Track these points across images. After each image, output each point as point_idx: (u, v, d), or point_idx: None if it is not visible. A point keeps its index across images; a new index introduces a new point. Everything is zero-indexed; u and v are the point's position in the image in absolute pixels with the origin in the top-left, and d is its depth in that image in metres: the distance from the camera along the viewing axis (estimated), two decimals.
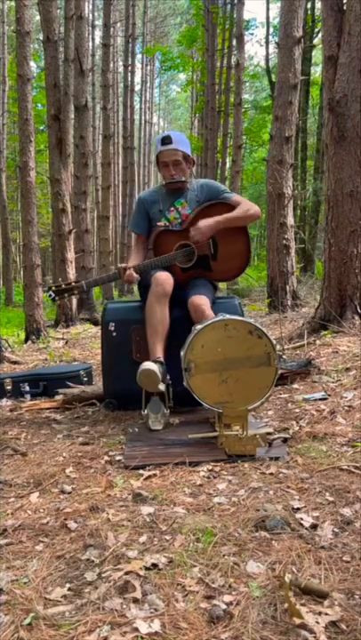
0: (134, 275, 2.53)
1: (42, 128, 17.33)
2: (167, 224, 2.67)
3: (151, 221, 2.72)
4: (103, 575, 1.19)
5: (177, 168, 2.63)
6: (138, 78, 23.87)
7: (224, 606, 1.06)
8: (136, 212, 2.78)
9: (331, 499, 1.52)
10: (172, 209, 2.68)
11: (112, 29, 13.39)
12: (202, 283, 2.60)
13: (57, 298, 2.59)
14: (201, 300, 2.41)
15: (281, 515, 1.41)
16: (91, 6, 20.51)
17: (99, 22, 20.73)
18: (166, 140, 2.59)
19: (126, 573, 1.18)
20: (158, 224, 2.67)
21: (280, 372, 2.72)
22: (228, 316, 2.05)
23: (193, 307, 2.41)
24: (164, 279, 2.43)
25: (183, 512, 1.48)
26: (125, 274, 2.52)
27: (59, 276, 7.38)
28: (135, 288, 2.77)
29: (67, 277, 7.27)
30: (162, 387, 2.27)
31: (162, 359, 2.34)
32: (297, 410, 2.40)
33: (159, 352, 2.36)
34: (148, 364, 2.22)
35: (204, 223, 2.55)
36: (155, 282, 2.42)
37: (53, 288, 2.60)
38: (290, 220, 6.61)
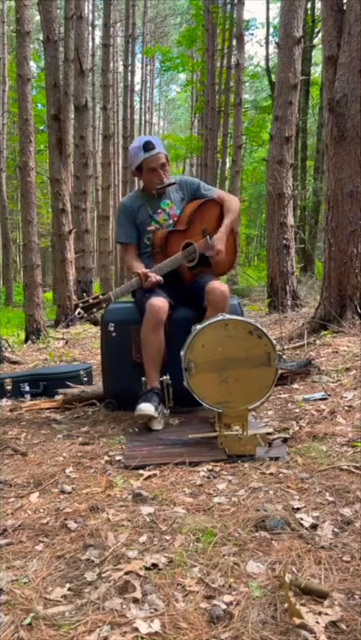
0: (155, 277, 2.48)
1: (42, 128, 17.33)
2: (158, 227, 2.67)
3: (138, 227, 2.71)
4: (103, 575, 1.19)
5: (164, 170, 2.64)
6: (138, 78, 23.88)
7: (224, 606, 1.06)
8: (124, 221, 2.72)
9: (331, 499, 1.52)
10: (160, 211, 2.69)
11: (112, 29, 13.39)
12: (207, 274, 2.63)
13: (85, 314, 2.48)
14: (223, 287, 2.46)
15: (281, 515, 1.41)
16: (91, 6, 20.50)
17: (99, 22, 20.73)
18: (149, 146, 2.60)
19: (126, 573, 1.18)
20: (148, 228, 2.67)
21: (280, 372, 2.72)
22: (228, 316, 2.05)
23: (218, 291, 2.43)
24: (160, 307, 2.40)
25: (183, 512, 1.48)
26: (148, 279, 2.45)
27: (59, 275, 7.38)
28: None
29: (67, 277, 7.26)
30: (157, 425, 2.30)
31: (159, 388, 2.37)
32: (297, 410, 2.40)
33: (155, 381, 2.39)
34: (144, 408, 2.23)
35: (220, 244, 2.60)
36: (149, 309, 2.39)
37: (80, 305, 2.48)
38: (290, 220, 6.60)
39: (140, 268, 2.57)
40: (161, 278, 2.50)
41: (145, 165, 2.63)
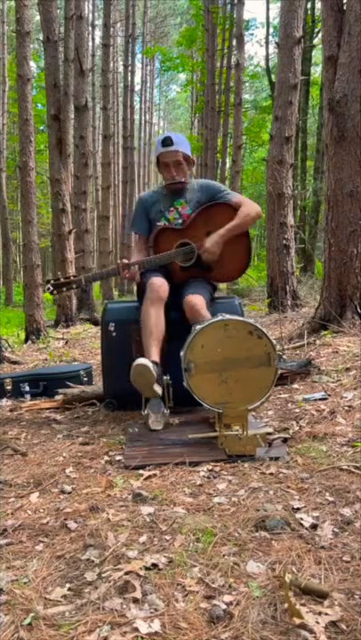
0: (137, 272, 2.50)
1: (42, 128, 17.34)
2: (167, 224, 2.67)
3: (151, 222, 2.73)
4: (103, 575, 1.19)
5: (178, 169, 2.64)
6: (138, 78, 23.89)
7: (224, 606, 1.06)
8: (136, 212, 2.79)
9: (331, 499, 1.52)
10: (172, 209, 2.69)
11: (112, 29, 13.39)
12: (199, 282, 2.59)
13: (55, 292, 2.60)
14: (196, 300, 2.39)
15: (281, 515, 1.41)
16: (91, 6, 20.51)
17: (99, 22, 20.73)
18: (167, 142, 2.60)
19: (126, 573, 1.18)
20: (158, 224, 2.68)
21: (280, 372, 2.72)
22: (228, 316, 2.05)
23: (188, 306, 2.40)
24: (160, 285, 2.41)
25: (183, 512, 1.48)
26: (126, 270, 2.49)
27: (60, 274, 7.37)
28: (135, 288, 2.76)
29: (66, 274, 7.26)
30: (157, 388, 2.24)
31: (157, 361, 2.30)
32: (297, 410, 2.40)
33: (154, 355, 2.31)
34: (141, 360, 2.19)
35: (211, 243, 2.55)
36: (149, 287, 2.41)
37: (52, 282, 2.62)
38: (290, 220, 6.61)
39: (133, 259, 2.63)
40: (138, 277, 2.53)
41: (160, 159, 2.66)
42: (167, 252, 2.58)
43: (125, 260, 2.56)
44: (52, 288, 2.59)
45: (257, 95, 25.84)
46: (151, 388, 2.22)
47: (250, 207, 2.63)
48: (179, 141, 2.63)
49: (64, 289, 2.62)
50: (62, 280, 2.61)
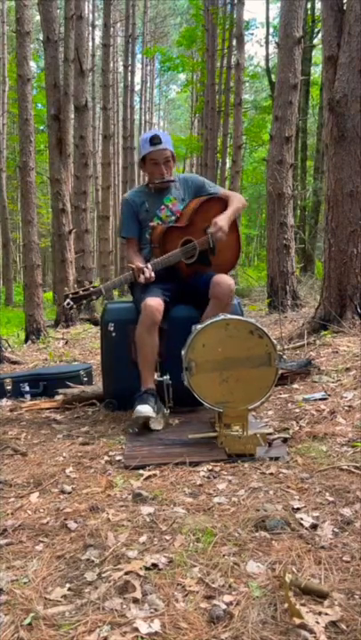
0: (151, 272, 2.47)
1: (42, 128, 17.32)
2: (160, 223, 2.67)
3: (141, 222, 2.71)
4: (103, 575, 1.19)
5: (167, 167, 2.65)
6: (138, 78, 23.86)
7: (224, 606, 1.06)
8: (126, 215, 2.73)
9: (331, 499, 1.52)
10: (163, 207, 2.69)
11: (112, 29, 13.39)
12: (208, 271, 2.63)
13: (75, 306, 2.46)
14: (230, 281, 2.46)
15: (281, 515, 1.41)
16: (91, 6, 20.50)
17: (99, 22, 20.73)
18: (156, 140, 2.60)
19: (126, 573, 1.18)
20: (151, 224, 2.67)
21: (280, 372, 2.72)
22: (229, 316, 2.05)
23: (224, 285, 2.43)
24: (155, 308, 2.39)
25: (183, 512, 1.48)
26: (142, 274, 2.45)
27: (59, 275, 7.37)
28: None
29: (67, 277, 7.26)
30: (156, 425, 2.28)
31: (154, 389, 2.38)
32: (297, 410, 2.40)
33: (150, 382, 2.39)
34: (142, 410, 2.23)
35: (222, 221, 2.56)
36: (144, 311, 2.39)
37: (70, 295, 2.46)
38: (290, 220, 6.61)
39: (138, 262, 2.58)
40: (153, 275, 2.49)
41: (148, 158, 2.65)
42: (174, 252, 2.57)
43: (140, 264, 2.50)
44: (71, 303, 2.44)
45: (257, 95, 25.83)
46: (152, 422, 2.28)
47: (236, 196, 2.75)
48: (166, 140, 2.64)
49: (84, 301, 2.48)
50: (81, 292, 2.47)
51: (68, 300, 2.44)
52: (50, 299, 12.12)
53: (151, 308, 2.38)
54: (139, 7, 20.63)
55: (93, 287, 2.50)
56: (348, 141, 3.67)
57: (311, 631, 0.98)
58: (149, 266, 2.48)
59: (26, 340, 6.19)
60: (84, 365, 3.49)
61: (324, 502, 1.50)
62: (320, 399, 2.49)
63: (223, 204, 2.66)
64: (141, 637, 0.98)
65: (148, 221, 2.68)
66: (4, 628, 1.03)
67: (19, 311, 11.90)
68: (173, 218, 2.68)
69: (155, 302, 2.40)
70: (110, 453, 2.03)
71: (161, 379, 2.37)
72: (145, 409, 2.23)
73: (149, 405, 2.26)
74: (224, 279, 2.47)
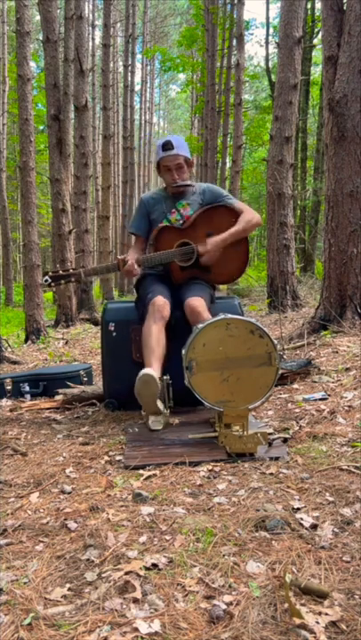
0: (136, 267, 2.49)
1: (42, 128, 17.33)
2: (167, 225, 2.68)
3: (152, 223, 2.73)
4: (103, 575, 1.19)
5: (180, 172, 2.66)
6: (138, 78, 23.87)
7: (224, 606, 1.06)
8: (137, 213, 2.79)
9: (331, 499, 1.52)
10: (174, 210, 2.70)
11: (112, 29, 13.38)
12: (198, 284, 2.61)
13: (53, 284, 2.54)
14: (196, 302, 2.40)
15: (281, 515, 1.41)
16: (91, 6, 20.50)
17: (99, 22, 20.73)
18: (168, 146, 2.61)
19: (126, 573, 1.18)
20: (160, 225, 2.68)
21: (280, 371, 2.72)
22: (229, 316, 2.05)
23: (189, 309, 2.40)
24: (162, 304, 2.40)
25: (183, 512, 1.48)
26: (126, 265, 2.48)
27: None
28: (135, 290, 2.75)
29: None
30: (160, 404, 2.25)
31: (160, 377, 2.29)
32: (297, 410, 2.40)
33: (157, 371, 2.27)
34: (147, 370, 2.18)
35: (213, 246, 2.56)
36: (152, 307, 2.39)
37: (50, 273, 2.55)
38: (290, 220, 6.61)
39: (131, 256, 2.60)
40: (137, 269, 2.51)
41: (161, 164, 2.67)
42: (167, 251, 2.58)
43: (125, 256, 2.54)
44: (49, 280, 2.53)
45: (257, 95, 25.84)
46: (154, 401, 2.20)
47: (252, 214, 2.67)
48: (179, 145, 2.64)
49: (62, 281, 2.55)
50: (61, 272, 2.55)
51: (46, 277, 2.53)
52: (50, 299, 12.12)
53: (160, 304, 2.40)
54: (139, 7, 20.62)
55: (74, 269, 2.58)
56: (348, 141, 3.67)
57: (311, 631, 0.98)
58: (131, 260, 2.49)
59: (26, 340, 6.19)
60: (84, 365, 3.49)
61: (324, 502, 1.50)
62: (320, 399, 2.49)
63: (233, 215, 2.65)
64: (141, 637, 0.98)
65: (158, 222, 2.70)
66: (3, 628, 1.03)
67: (19, 311, 11.91)
68: (181, 222, 2.69)
69: (162, 300, 2.42)
70: (110, 453, 2.03)
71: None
72: (150, 371, 2.16)
73: (156, 374, 2.18)
74: (190, 303, 2.41)
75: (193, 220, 2.63)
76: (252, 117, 18.45)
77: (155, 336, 2.35)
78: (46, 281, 2.52)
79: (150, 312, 2.40)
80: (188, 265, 2.62)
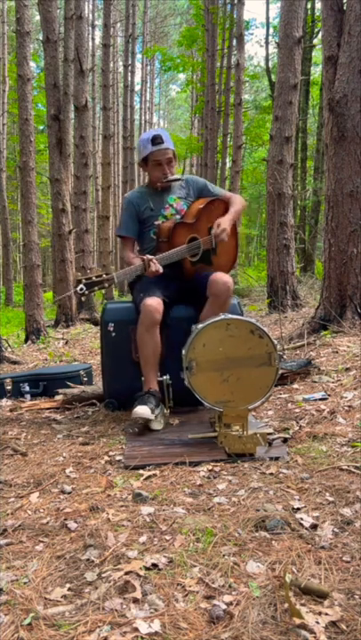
0: (158, 265, 2.43)
1: (42, 128, 17.32)
2: (165, 220, 2.67)
3: (143, 222, 2.70)
4: (103, 575, 1.19)
5: (170, 166, 2.65)
6: (138, 78, 23.83)
7: (224, 606, 1.06)
8: (126, 215, 2.72)
9: (331, 499, 1.52)
10: (167, 206, 2.69)
11: (112, 29, 13.38)
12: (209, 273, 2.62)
13: (87, 291, 2.34)
14: (227, 279, 2.45)
15: (281, 515, 1.41)
16: (91, 6, 20.49)
17: (99, 22, 20.73)
18: (158, 140, 2.60)
19: (126, 573, 1.18)
20: (156, 222, 2.67)
21: (280, 371, 2.72)
22: (229, 316, 2.05)
23: (221, 282, 2.43)
24: (154, 307, 2.37)
25: (183, 512, 1.48)
26: (152, 266, 2.40)
27: (59, 275, 7.37)
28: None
29: (66, 277, 7.25)
30: (156, 425, 2.28)
31: (156, 390, 2.36)
32: (297, 410, 2.40)
33: (153, 383, 2.37)
34: (140, 411, 2.21)
35: (225, 223, 2.57)
36: (144, 310, 2.37)
37: (84, 281, 2.34)
38: (290, 220, 6.61)
39: (137, 259, 2.52)
40: (161, 268, 2.43)
41: (151, 158, 2.64)
42: (180, 247, 2.56)
43: (150, 256, 2.45)
44: (84, 289, 2.33)
45: (257, 95, 25.83)
46: (151, 422, 2.28)
47: (237, 198, 2.77)
48: (167, 138, 2.64)
49: (96, 288, 2.38)
50: (95, 279, 2.36)
51: (80, 286, 2.33)
52: (50, 299, 12.11)
53: (150, 307, 2.36)
54: (139, 7, 20.62)
55: (106, 274, 2.38)
56: (348, 141, 3.67)
57: (311, 631, 0.98)
58: (159, 259, 2.46)
59: (26, 340, 6.19)
60: (84, 365, 3.49)
61: (324, 502, 1.50)
62: (320, 399, 2.49)
63: (225, 205, 2.70)
64: (141, 637, 0.98)
65: (152, 220, 2.68)
66: (3, 628, 1.03)
67: (19, 311, 11.91)
68: (178, 216, 2.69)
69: (154, 302, 2.39)
70: (110, 453, 2.03)
71: (161, 378, 2.37)
72: (143, 410, 2.22)
73: (148, 406, 2.24)
74: (221, 277, 2.47)
75: (196, 215, 2.62)
76: (252, 117, 18.44)
77: (150, 347, 2.37)
78: (81, 289, 2.32)
79: (141, 317, 2.37)
80: (196, 260, 2.63)
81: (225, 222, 2.56)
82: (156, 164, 2.64)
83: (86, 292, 2.34)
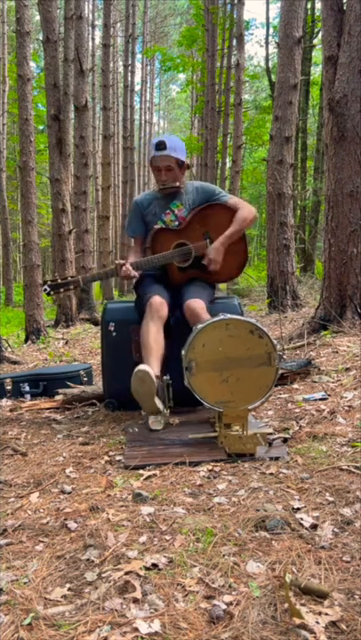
0: (131, 270, 2.49)
1: (42, 128, 17.32)
2: (163, 226, 2.67)
3: (147, 224, 2.73)
4: (103, 575, 1.19)
5: (168, 174, 2.63)
6: (138, 78, 23.84)
7: (224, 606, 1.06)
8: (132, 215, 2.79)
9: (331, 499, 1.52)
10: (168, 212, 2.69)
11: (112, 29, 13.38)
12: (198, 285, 2.60)
13: (52, 292, 2.56)
14: (196, 304, 2.40)
15: (281, 515, 1.41)
16: (91, 6, 20.50)
17: (99, 22, 20.73)
18: (161, 146, 2.59)
19: (126, 573, 1.18)
20: (155, 227, 2.68)
21: (280, 371, 2.72)
22: (229, 316, 2.05)
23: (189, 311, 2.40)
24: (160, 304, 2.40)
25: (183, 512, 1.48)
26: (123, 270, 2.49)
27: (59, 275, 7.37)
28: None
29: (65, 275, 7.25)
30: (158, 402, 2.21)
31: (158, 375, 2.27)
32: (297, 410, 2.40)
33: (155, 369, 2.25)
34: (142, 366, 2.15)
35: (215, 253, 2.57)
36: (150, 307, 2.39)
37: (49, 282, 2.58)
38: (290, 220, 6.61)
39: (129, 259, 2.61)
40: (135, 274, 2.51)
41: (152, 163, 2.66)
42: (164, 253, 2.58)
43: (122, 261, 2.55)
44: (48, 289, 2.55)
45: (257, 95, 25.83)
46: (152, 398, 2.16)
47: (246, 210, 2.64)
48: (173, 146, 2.60)
49: (61, 289, 2.56)
50: (60, 280, 2.57)
51: (45, 287, 2.56)
52: (50, 299, 12.12)
53: (157, 303, 2.40)
54: (139, 7, 20.62)
55: (72, 277, 2.59)
56: (348, 141, 3.67)
57: (311, 631, 0.98)
58: (127, 264, 2.50)
59: (26, 340, 6.19)
60: (84, 365, 3.49)
61: (324, 502, 1.50)
62: (320, 399, 2.49)
63: (229, 213, 2.63)
64: (141, 637, 0.98)
65: (153, 224, 2.69)
66: (3, 628, 1.03)
67: (19, 311, 11.91)
68: (177, 223, 2.68)
69: (159, 300, 2.43)
70: (110, 453, 2.03)
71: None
72: (145, 367, 2.14)
73: (151, 370, 2.15)
74: (190, 304, 2.41)
75: (188, 220, 2.63)
76: (252, 117, 18.44)
77: (152, 335, 2.35)
78: (45, 290, 2.55)
79: (148, 312, 2.40)
80: (187, 265, 2.62)
81: (213, 251, 2.56)
82: (155, 170, 2.66)
83: (52, 293, 2.57)
